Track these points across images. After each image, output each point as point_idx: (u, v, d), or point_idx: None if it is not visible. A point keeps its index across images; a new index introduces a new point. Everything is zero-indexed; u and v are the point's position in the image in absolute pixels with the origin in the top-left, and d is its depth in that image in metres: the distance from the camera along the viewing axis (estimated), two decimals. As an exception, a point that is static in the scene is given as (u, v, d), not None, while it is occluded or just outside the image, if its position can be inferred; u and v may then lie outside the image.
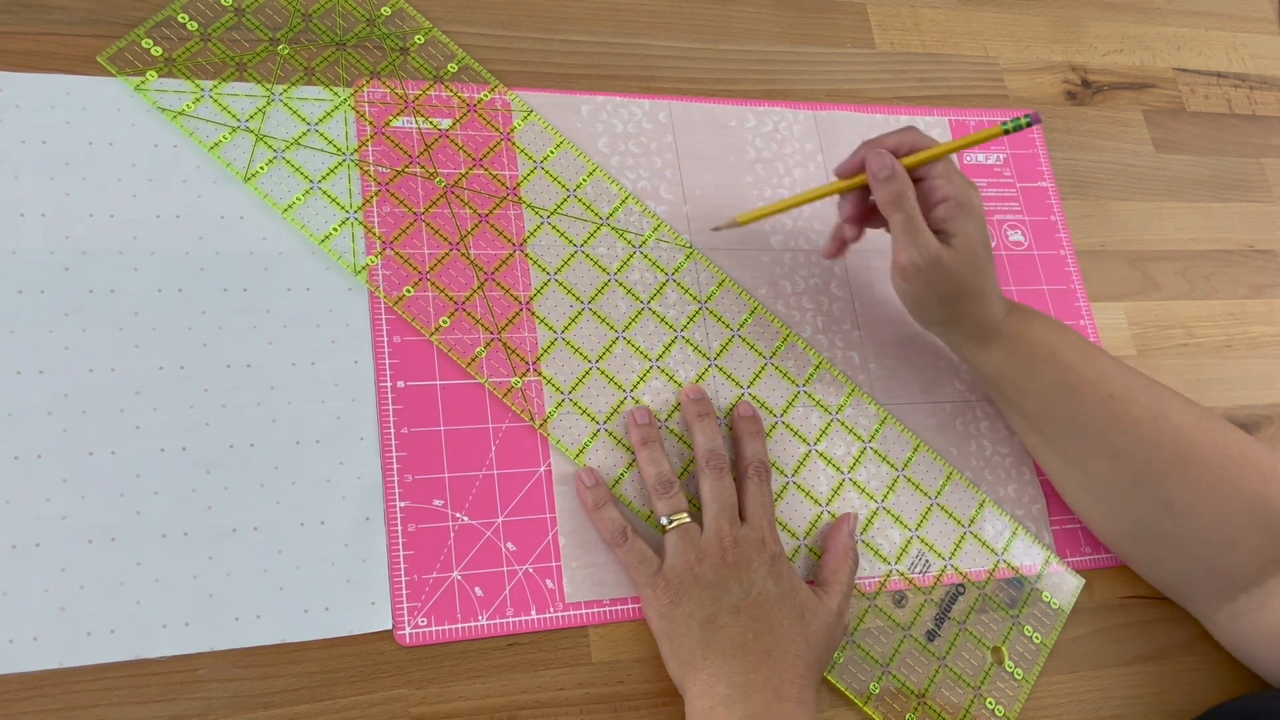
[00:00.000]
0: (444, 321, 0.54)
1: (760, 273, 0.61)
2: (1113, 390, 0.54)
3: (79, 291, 0.49)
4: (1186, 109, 0.77)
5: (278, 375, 0.50)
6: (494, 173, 0.57)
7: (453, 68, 0.59)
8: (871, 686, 0.53)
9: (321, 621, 0.47)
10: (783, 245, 0.62)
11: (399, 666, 0.48)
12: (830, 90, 0.67)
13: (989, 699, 0.55)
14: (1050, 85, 0.74)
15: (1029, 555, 0.59)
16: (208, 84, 0.54)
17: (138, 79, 0.53)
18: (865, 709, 0.53)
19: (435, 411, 0.52)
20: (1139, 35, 0.79)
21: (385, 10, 0.59)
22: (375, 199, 0.55)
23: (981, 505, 0.59)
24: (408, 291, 0.54)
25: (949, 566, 0.57)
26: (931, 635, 0.55)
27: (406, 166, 0.56)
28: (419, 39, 0.59)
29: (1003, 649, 0.56)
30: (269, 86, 0.55)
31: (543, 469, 0.53)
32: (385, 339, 0.52)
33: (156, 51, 0.54)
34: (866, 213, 0.56)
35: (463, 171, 0.57)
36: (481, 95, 0.59)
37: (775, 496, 0.55)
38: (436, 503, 0.51)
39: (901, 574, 0.56)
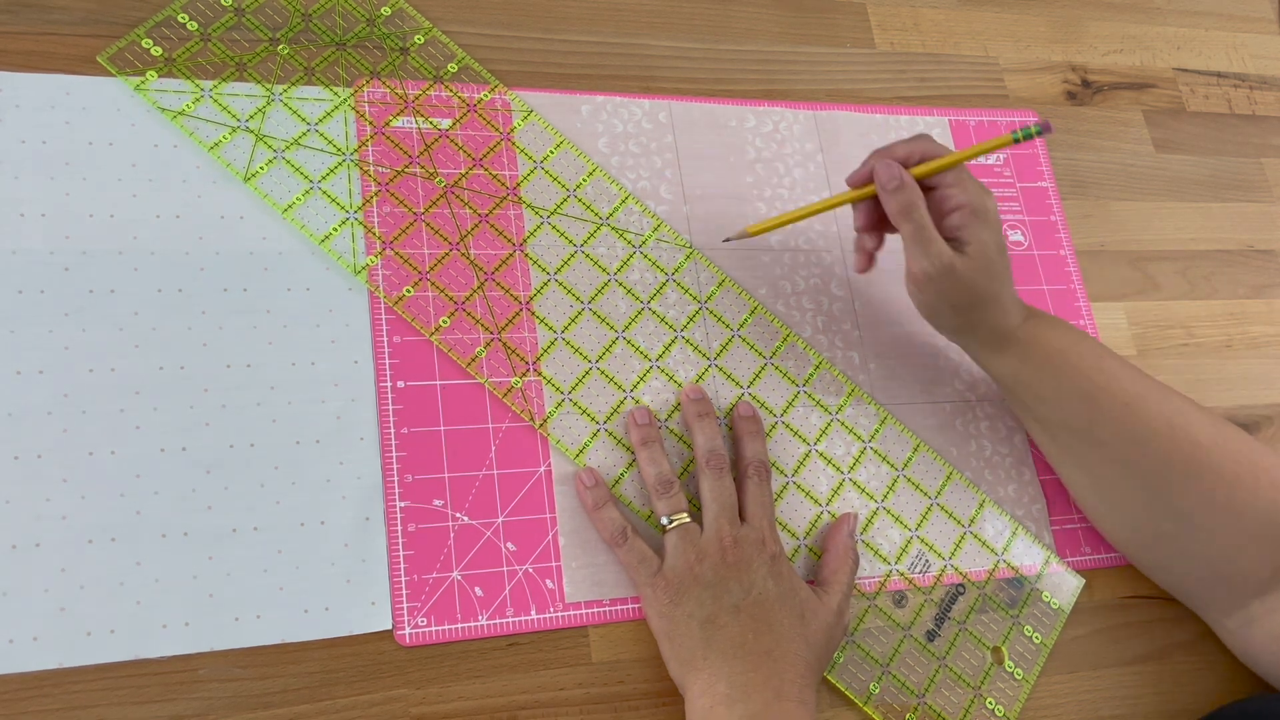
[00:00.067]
0: (444, 321, 0.54)
1: (760, 273, 0.61)
2: (1128, 399, 0.54)
3: (79, 291, 0.49)
4: (1186, 109, 0.77)
5: (278, 375, 0.50)
6: (494, 173, 0.57)
7: (453, 68, 0.59)
8: (871, 686, 0.53)
9: (321, 621, 0.47)
10: (782, 245, 0.62)
11: (399, 666, 0.48)
12: (830, 90, 0.67)
13: (989, 699, 0.55)
14: (1050, 85, 0.74)
15: (1029, 555, 0.59)
16: (208, 84, 0.54)
17: (138, 79, 0.53)
18: (865, 709, 0.53)
19: (435, 411, 0.52)
20: (1139, 35, 0.79)
21: (385, 10, 0.59)
22: (375, 199, 0.55)
23: (981, 505, 0.59)
24: (408, 291, 0.54)
25: (949, 566, 0.57)
26: (931, 635, 0.55)
27: (406, 166, 0.56)
28: (419, 39, 0.59)
29: (1003, 649, 0.56)
30: (269, 86, 0.55)
31: (543, 469, 0.53)
32: (385, 339, 0.52)
33: (156, 51, 0.54)
34: (880, 220, 0.55)
35: (463, 171, 0.57)
36: (481, 95, 0.59)
37: (775, 496, 0.55)
38: (436, 503, 0.51)
39: (901, 574, 0.56)
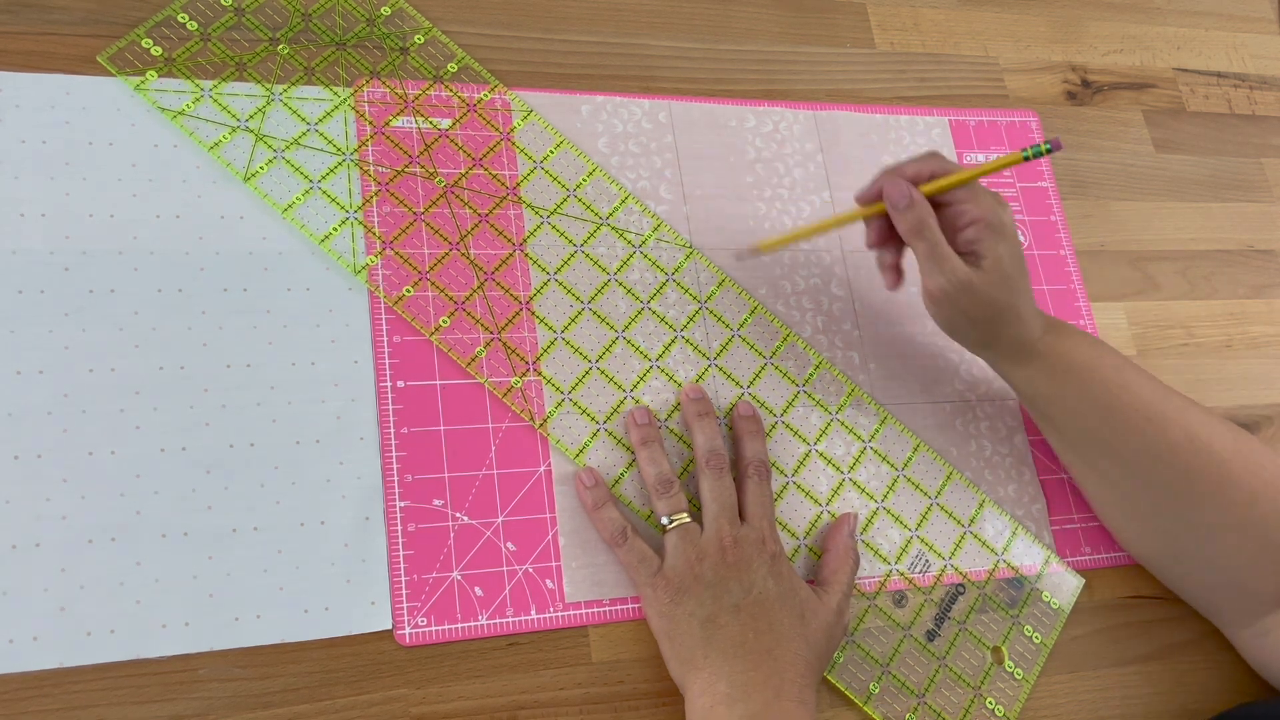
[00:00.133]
0: (444, 321, 0.54)
1: (760, 273, 0.61)
2: (1149, 413, 0.53)
3: (79, 291, 0.49)
4: (1186, 109, 0.77)
5: (278, 375, 0.50)
6: (494, 173, 0.57)
7: (453, 68, 0.59)
8: (871, 686, 0.53)
9: (321, 621, 0.47)
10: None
11: (399, 666, 0.48)
12: (830, 90, 0.67)
13: (989, 699, 0.55)
14: (1050, 85, 0.74)
15: (1029, 555, 0.59)
16: (208, 84, 0.54)
17: (138, 79, 0.53)
18: (865, 709, 0.53)
19: (435, 411, 0.52)
20: (1139, 35, 0.79)
21: (385, 10, 0.59)
22: (375, 199, 0.55)
23: (981, 505, 0.59)
24: (408, 291, 0.54)
25: (949, 566, 0.57)
26: (931, 635, 0.55)
27: (406, 166, 0.56)
28: (419, 39, 0.59)
29: (1003, 649, 0.56)
30: (269, 86, 0.55)
31: (543, 469, 0.53)
32: (385, 339, 0.52)
33: (156, 51, 0.54)
34: (891, 235, 0.55)
35: (463, 171, 0.57)
36: (481, 95, 0.59)
37: (775, 496, 0.55)
38: (436, 503, 0.51)
39: (901, 574, 0.56)
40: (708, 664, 0.47)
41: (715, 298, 0.59)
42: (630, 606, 0.51)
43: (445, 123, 0.58)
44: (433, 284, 0.54)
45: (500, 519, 0.51)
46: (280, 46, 0.56)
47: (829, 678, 0.53)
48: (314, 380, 0.51)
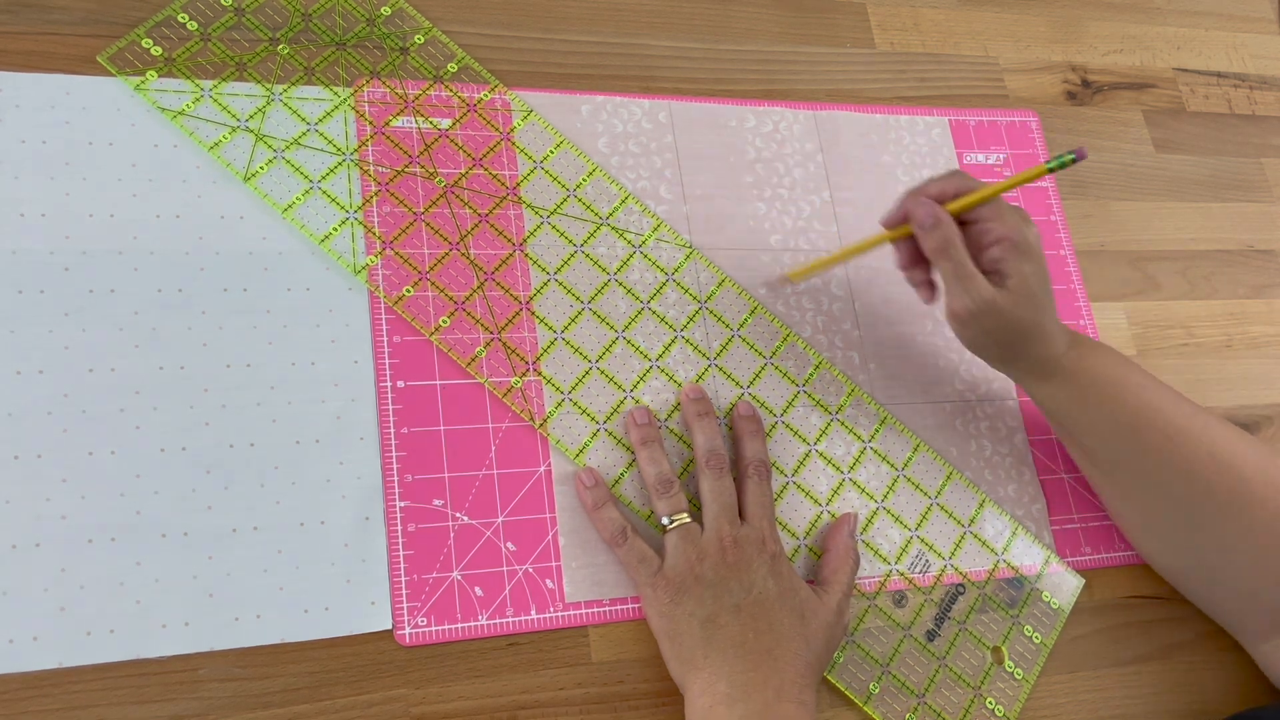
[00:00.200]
0: (444, 321, 0.54)
1: (760, 273, 0.61)
2: (1171, 430, 0.53)
3: (79, 291, 0.49)
4: (1186, 109, 0.77)
5: (278, 375, 0.50)
6: (494, 173, 0.57)
7: (453, 68, 0.59)
8: (871, 686, 0.53)
9: (321, 621, 0.47)
10: (782, 245, 0.62)
11: (399, 666, 0.48)
12: (830, 90, 0.67)
13: (989, 699, 0.55)
14: (1050, 85, 0.74)
15: (1029, 555, 0.59)
16: (208, 84, 0.54)
17: (138, 79, 0.53)
18: (865, 709, 0.53)
19: (435, 411, 0.52)
20: (1139, 35, 0.79)
21: (385, 10, 0.59)
22: (375, 199, 0.55)
23: (981, 505, 0.59)
24: (408, 291, 0.54)
25: (949, 566, 0.57)
26: (931, 635, 0.55)
27: (406, 166, 0.56)
28: (419, 39, 0.59)
29: (1003, 649, 0.56)
30: (269, 86, 0.55)
31: (543, 469, 0.53)
32: (385, 339, 0.52)
33: (156, 51, 0.54)
34: (920, 256, 0.54)
35: (463, 171, 0.57)
36: (481, 95, 0.59)
37: (775, 496, 0.55)
38: (436, 502, 0.51)
39: (901, 574, 0.56)
40: (708, 664, 0.47)
41: (715, 298, 0.59)
42: (630, 606, 0.51)
43: (445, 123, 0.58)
44: (433, 284, 0.54)
45: (500, 519, 0.51)
46: (280, 46, 0.56)
47: (829, 678, 0.53)
48: (314, 380, 0.51)
